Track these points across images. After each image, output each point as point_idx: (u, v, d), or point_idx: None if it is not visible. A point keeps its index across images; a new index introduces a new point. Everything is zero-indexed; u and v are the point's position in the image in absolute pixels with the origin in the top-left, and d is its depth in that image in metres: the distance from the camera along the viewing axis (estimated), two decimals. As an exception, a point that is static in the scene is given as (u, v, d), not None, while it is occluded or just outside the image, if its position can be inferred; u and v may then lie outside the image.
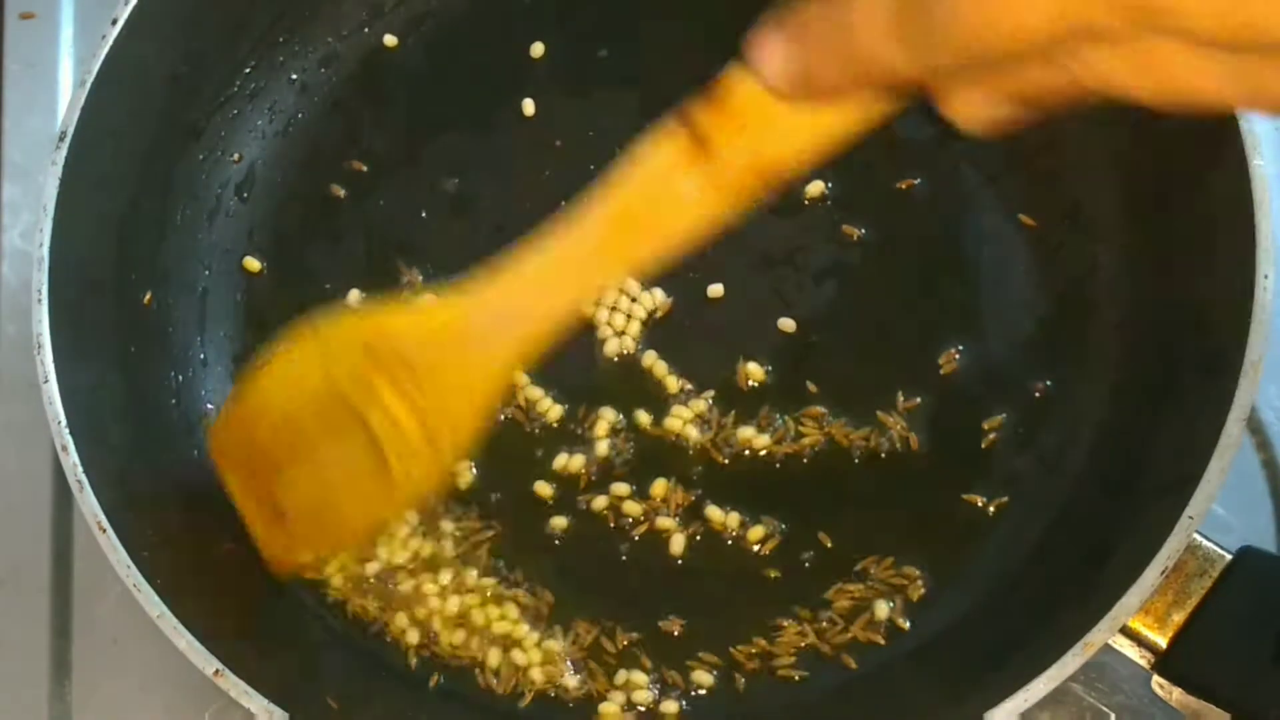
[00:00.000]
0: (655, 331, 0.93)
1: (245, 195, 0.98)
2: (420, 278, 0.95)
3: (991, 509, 0.88)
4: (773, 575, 0.88)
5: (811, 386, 0.91)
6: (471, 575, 0.88)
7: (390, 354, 0.73)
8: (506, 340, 0.72)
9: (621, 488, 0.89)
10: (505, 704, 0.86)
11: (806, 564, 0.88)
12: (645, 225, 0.68)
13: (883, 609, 0.87)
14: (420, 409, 0.73)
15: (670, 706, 0.86)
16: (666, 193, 0.67)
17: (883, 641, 0.87)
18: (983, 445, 0.90)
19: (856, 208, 0.95)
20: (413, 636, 0.87)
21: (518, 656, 0.86)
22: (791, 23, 0.60)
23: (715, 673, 0.86)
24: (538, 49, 0.99)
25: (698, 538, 0.89)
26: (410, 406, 0.73)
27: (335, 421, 0.75)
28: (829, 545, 0.88)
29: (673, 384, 0.91)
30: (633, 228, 0.68)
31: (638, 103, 0.98)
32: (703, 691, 0.86)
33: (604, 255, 0.69)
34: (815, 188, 0.95)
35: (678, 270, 0.93)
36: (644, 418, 0.91)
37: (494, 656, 0.86)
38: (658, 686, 0.86)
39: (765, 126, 0.64)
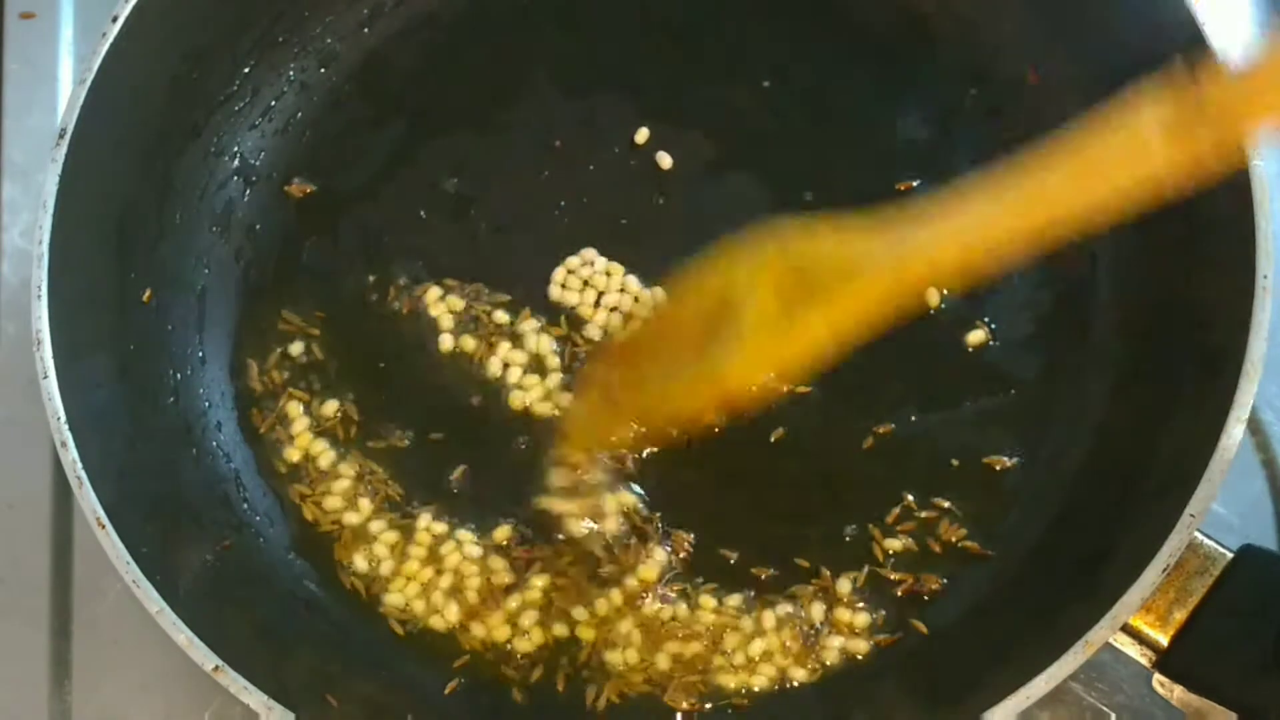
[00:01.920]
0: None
1: (245, 194, 0.97)
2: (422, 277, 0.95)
3: (992, 508, 0.88)
4: (764, 576, 0.88)
5: (811, 385, 0.91)
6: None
7: (799, 256, 0.77)
8: (890, 269, 0.73)
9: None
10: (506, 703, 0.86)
11: (805, 560, 0.88)
12: (1094, 178, 0.67)
13: (883, 608, 0.87)
14: (791, 301, 0.75)
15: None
16: (1133, 148, 0.66)
17: (883, 640, 0.87)
18: (984, 444, 0.90)
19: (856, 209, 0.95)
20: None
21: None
22: None
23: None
24: (664, 160, 0.98)
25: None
26: (783, 301, 0.76)
27: (711, 315, 0.79)
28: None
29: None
30: (1081, 178, 0.68)
31: (637, 103, 0.98)
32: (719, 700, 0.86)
33: (1043, 202, 0.69)
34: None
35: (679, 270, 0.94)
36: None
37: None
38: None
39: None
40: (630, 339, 0.91)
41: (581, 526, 0.89)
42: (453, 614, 0.88)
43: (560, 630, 0.87)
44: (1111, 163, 0.66)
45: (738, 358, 0.77)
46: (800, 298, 0.75)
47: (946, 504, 0.89)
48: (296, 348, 0.94)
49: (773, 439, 0.90)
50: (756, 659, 0.86)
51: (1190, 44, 0.82)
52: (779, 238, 0.78)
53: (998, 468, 0.90)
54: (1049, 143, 0.68)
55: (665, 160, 0.97)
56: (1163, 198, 0.66)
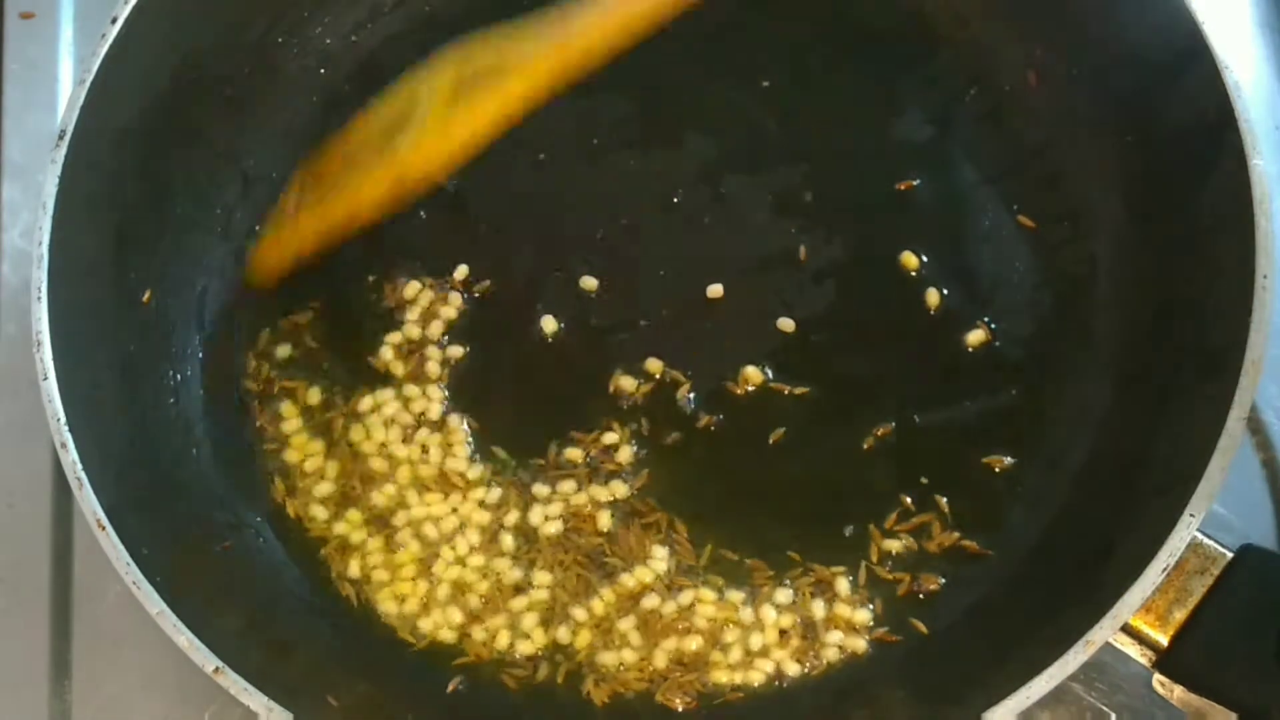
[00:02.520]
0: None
1: (244, 195, 0.97)
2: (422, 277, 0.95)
3: (993, 507, 0.88)
4: (764, 575, 0.88)
5: (811, 385, 0.91)
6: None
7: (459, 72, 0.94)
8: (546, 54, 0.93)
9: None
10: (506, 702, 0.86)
11: (805, 560, 0.88)
12: None
13: (883, 608, 0.87)
14: (462, 99, 0.93)
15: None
16: None
17: (883, 638, 0.87)
18: (984, 444, 0.90)
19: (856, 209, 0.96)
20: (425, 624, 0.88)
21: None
22: None
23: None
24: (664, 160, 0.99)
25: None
26: (456, 97, 0.93)
27: (389, 120, 0.95)
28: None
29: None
30: None
31: (637, 103, 0.98)
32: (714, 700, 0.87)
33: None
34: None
35: (679, 270, 0.94)
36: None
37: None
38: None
39: None
40: (319, 159, 0.98)
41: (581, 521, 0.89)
42: (455, 618, 0.88)
43: (563, 635, 0.87)
44: None
45: (416, 142, 0.93)
46: (471, 92, 0.93)
47: (946, 504, 0.89)
48: (296, 349, 0.94)
49: (772, 440, 0.90)
50: (754, 654, 0.86)
51: (1189, 44, 0.82)
52: (455, 52, 0.95)
53: (997, 468, 0.90)
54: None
55: (665, 160, 0.97)
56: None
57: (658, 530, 0.89)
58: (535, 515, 0.90)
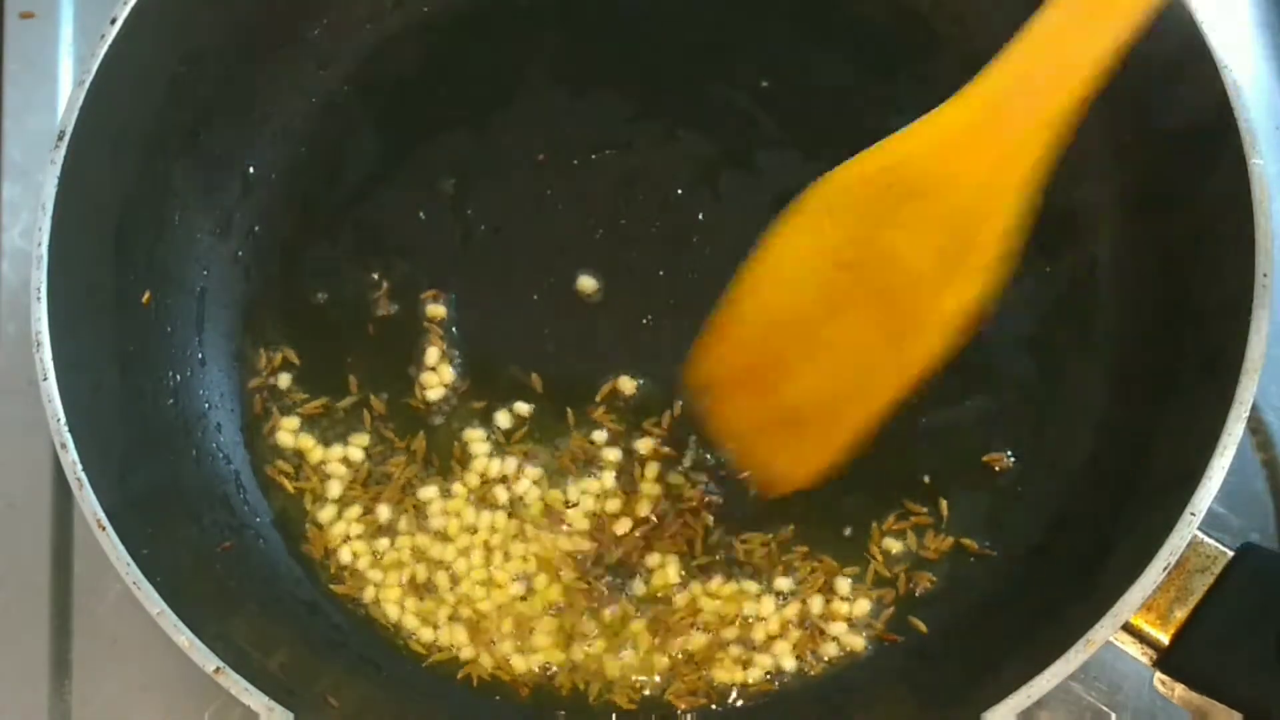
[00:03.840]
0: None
1: (243, 195, 0.97)
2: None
3: (993, 507, 0.88)
4: (764, 573, 0.88)
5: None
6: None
7: (896, 188, 0.68)
8: (1030, 120, 0.66)
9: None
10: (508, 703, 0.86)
11: (805, 560, 0.88)
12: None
13: (882, 607, 0.87)
14: (953, 226, 0.67)
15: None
16: None
17: (882, 637, 0.87)
18: (984, 444, 0.90)
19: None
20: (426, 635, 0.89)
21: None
22: None
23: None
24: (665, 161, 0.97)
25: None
26: (940, 228, 0.67)
27: (841, 292, 0.70)
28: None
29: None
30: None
31: (637, 104, 0.98)
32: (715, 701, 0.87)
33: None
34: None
35: (679, 270, 0.94)
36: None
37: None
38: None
39: None
40: (741, 353, 0.81)
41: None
42: (461, 637, 0.88)
43: (575, 653, 0.87)
44: None
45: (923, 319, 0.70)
46: (948, 217, 0.68)
47: (946, 504, 0.89)
48: (296, 350, 0.94)
49: (773, 439, 0.91)
50: (756, 650, 0.87)
51: (1189, 44, 0.82)
52: (864, 164, 0.72)
53: (997, 468, 0.90)
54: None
55: (664, 160, 0.97)
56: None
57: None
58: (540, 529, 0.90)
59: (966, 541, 0.88)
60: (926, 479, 0.89)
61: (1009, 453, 0.90)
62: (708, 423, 0.81)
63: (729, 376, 0.79)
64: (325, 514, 0.91)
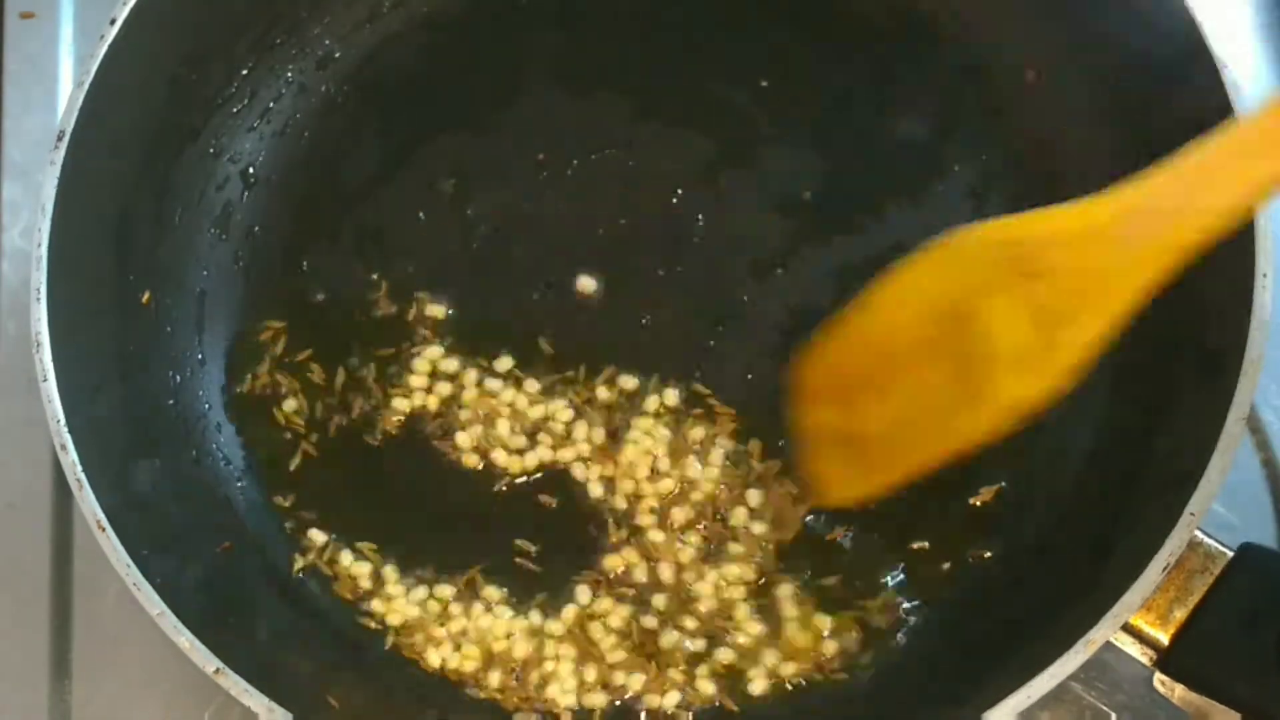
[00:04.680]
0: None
1: (243, 196, 0.97)
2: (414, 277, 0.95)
3: (992, 507, 0.88)
4: (764, 572, 0.88)
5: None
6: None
7: (1026, 259, 0.70)
8: (1155, 243, 0.68)
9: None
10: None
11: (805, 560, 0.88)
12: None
13: (882, 606, 0.87)
14: (1046, 318, 0.70)
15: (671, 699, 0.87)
16: None
17: (882, 638, 0.87)
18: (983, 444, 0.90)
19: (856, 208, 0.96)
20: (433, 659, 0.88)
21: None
22: None
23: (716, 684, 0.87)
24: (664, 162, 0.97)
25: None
26: (1034, 315, 0.70)
27: (943, 334, 0.74)
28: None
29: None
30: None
31: (636, 104, 0.98)
32: (708, 697, 0.87)
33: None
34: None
35: (678, 270, 0.94)
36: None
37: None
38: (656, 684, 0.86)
39: None
40: (835, 370, 0.83)
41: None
42: (494, 681, 0.88)
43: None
44: None
45: (1004, 379, 0.72)
46: (1048, 307, 0.70)
47: (945, 504, 0.89)
48: (295, 350, 0.94)
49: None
50: (754, 646, 0.87)
51: (1188, 43, 0.82)
52: (1004, 230, 0.74)
53: (998, 467, 0.90)
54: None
55: (663, 160, 0.97)
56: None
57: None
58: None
59: (967, 542, 0.88)
60: (925, 479, 0.89)
61: (1009, 453, 0.90)
62: (794, 421, 0.85)
63: (823, 385, 0.83)
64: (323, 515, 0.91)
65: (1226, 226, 0.66)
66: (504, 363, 0.93)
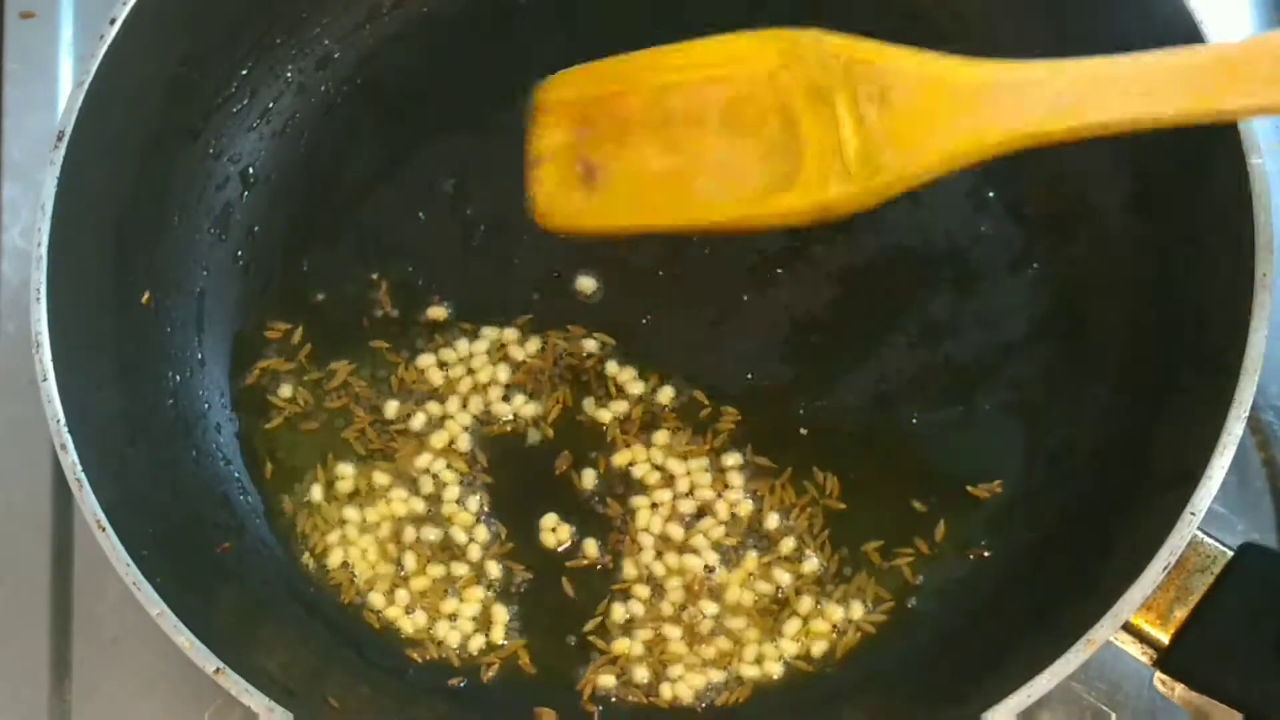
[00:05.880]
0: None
1: (243, 196, 0.97)
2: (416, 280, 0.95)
3: (992, 507, 0.89)
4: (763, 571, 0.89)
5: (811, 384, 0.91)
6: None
7: (872, 81, 0.71)
8: (1002, 124, 0.69)
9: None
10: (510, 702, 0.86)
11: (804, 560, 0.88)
12: None
13: (882, 606, 0.87)
14: (873, 134, 0.70)
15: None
16: None
17: (881, 638, 0.87)
18: (983, 444, 0.90)
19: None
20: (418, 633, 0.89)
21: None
22: None
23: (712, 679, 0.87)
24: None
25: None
26: (861, 126, 0.70)
27: (747, 110, 0.73)
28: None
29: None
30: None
31: (636, 103, 0.98)
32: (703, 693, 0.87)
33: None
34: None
35: (678, 270, 0.94)
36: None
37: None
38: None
39: None
40: (617, 97, 0.80)
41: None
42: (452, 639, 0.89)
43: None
44: None
45: (792, 186, 0.72)
46: (878, 128, 0.71)
47: (945, 503, 0.89)
48: (295, 350, 0.94)
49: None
50: (752, 643, 0.87)
51: (1188, 43, 0.82)
52: (857, 48, 0.74)
53: (997, 467, 0.90)
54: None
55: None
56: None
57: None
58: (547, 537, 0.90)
59: (967, 541, 0.88)
60: (925, 479, 0.89)
61: (1009, 453, 0.90)
62: (532, 139, 0.82)
63: (580, 105, 0.81)
64: (322, 513, 0.91)
65: (1077, 139, 0.69)
66: (503, 369, 0.93)
